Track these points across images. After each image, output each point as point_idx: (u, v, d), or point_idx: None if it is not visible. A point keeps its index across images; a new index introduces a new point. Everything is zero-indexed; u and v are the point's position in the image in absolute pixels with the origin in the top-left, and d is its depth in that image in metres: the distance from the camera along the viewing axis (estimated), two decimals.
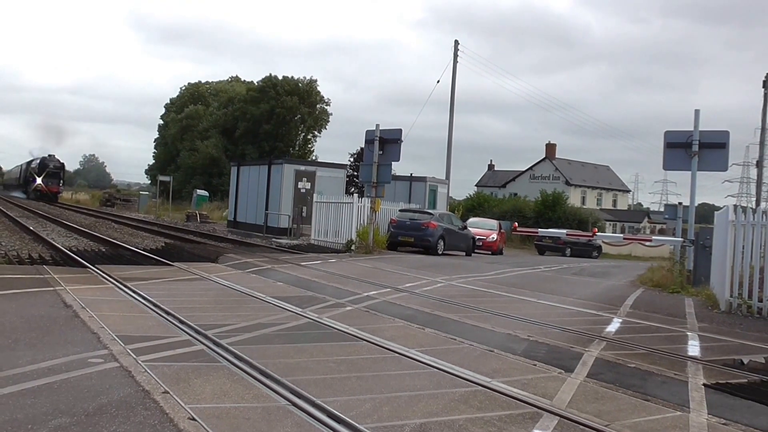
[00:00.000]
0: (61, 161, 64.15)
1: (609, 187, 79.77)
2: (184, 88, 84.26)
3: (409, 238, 23.38)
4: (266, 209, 29.68)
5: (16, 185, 70.32)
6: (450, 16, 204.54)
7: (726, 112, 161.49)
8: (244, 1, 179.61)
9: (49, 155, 61.02)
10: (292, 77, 70.30)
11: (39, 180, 58.14)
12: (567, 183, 70.23)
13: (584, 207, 62.61)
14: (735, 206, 12.26)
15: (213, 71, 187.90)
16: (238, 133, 69.32)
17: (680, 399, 5.52)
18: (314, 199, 25.06)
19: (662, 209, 47.97)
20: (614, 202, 79.89)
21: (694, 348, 7.83)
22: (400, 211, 25.19)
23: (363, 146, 23.07)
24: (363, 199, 22.79)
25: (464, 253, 25.58)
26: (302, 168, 30.37)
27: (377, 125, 20.48)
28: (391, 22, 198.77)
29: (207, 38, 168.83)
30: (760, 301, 11.04)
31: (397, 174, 32.75)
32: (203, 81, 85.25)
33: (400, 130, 20.62)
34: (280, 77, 70.23)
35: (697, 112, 14.90)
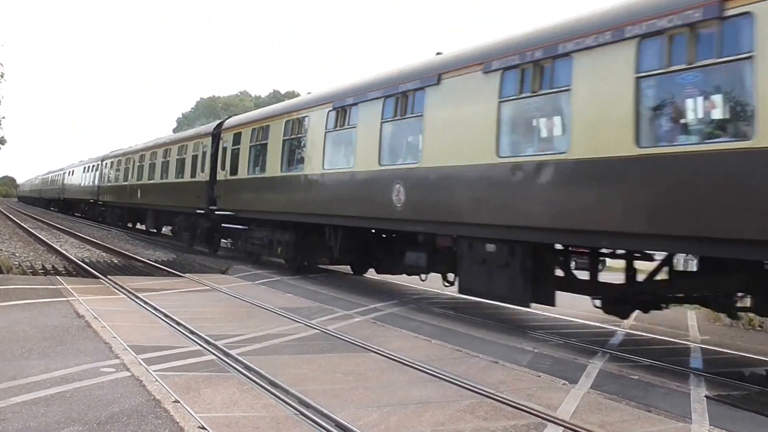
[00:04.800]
0: None
1: None
2: (198, 101, 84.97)
3: None
4: None
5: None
6: None
7: None
8: (253, 12, 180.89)
9: None
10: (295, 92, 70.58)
11: None
12: None
13: None
14: None
15: (224, 85, 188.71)
16: None
17: (683, 410, 5.57)
18: None
19: None
20: None
21: (696, 360, 7.87)
22: None
23: None
24: None
25: None
26: None
27: None
28: (405, 25, 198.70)
29: (217, 51, 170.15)
30: None
31: None
32: (216, 95, 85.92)
33: None
34: (282, 92, 70.59)
35: None
